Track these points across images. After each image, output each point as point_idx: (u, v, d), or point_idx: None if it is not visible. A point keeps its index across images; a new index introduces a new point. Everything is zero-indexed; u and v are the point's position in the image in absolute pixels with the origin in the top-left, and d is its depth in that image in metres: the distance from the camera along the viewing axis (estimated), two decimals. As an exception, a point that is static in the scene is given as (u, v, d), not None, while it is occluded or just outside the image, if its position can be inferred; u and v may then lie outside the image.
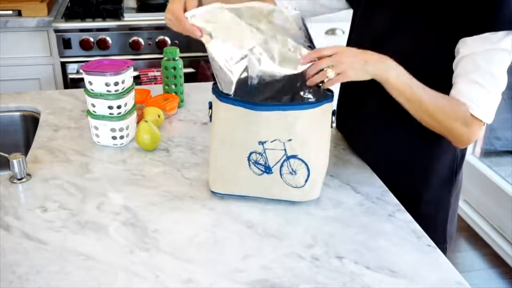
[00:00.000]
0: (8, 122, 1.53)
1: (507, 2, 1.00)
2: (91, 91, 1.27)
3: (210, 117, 1.09)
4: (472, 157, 2.78)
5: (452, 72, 1.07)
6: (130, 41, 2.29)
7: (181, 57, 1.54)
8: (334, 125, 1.08)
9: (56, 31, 2.24)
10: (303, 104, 1.02)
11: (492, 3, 1.00)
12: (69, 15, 2.29)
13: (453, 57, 1.07)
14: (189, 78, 2.19)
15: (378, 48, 1.04)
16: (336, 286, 0.89)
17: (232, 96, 1.02)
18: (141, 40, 2.30)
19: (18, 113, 1.54)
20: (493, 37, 1.01)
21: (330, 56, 1.01)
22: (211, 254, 0.96)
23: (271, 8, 1.08)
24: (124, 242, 0.98)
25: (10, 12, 2.25)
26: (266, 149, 1.04)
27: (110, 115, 1.28)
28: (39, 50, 2.31)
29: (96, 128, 1.30)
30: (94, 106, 1.28)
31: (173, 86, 1.54)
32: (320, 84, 1.02)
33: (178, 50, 1.53)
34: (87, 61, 1.33)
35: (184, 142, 1.35)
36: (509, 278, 2.32)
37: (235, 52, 1.03)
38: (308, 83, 1.02)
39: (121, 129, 1.30)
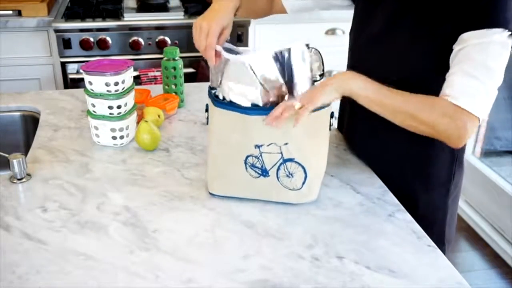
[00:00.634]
0: (8, 122, 1.53)
1: (501, 1, 1.00)
2: (91, 91, 1.27)
3: (207, 119, 1.09)
4: (472, 157, 2.78)
5: (447, 71, 1.07)
6: (130, 41, 2.29)
7: (181, 57, 1.54)
8: (333, 126, 1.07)
9: (56, 31, 2.23)
10: None
11: (486, 1, 1.00)
12: (69, 15, 2.28)
13: (449, 57, 1.06)
14: (189, 78, 2.18)
15: (374, 47, 1.03)
16: (336, 286, 0.89)
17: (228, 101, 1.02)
18: (141, 40, 2.30)
19: (18, 113, 1.54)
20: (488, 32, 1.00)
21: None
22: (211, 254, 0.96)
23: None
24: (124, 242, 0.98)
25: (10, 12, 2.25)
26: (263, 152, 1.04)
27: (110, 115, 1.28)
28: (39, 50, 2.31)
29: (96, 128, 1.30)
30: (94, 106, 1.28)
31: (173, 86, 1.54)
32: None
33: (178, 50, 1.52)
34: (87, 61, 1.33)
35: (184, 142, 1.35)
36: (509, 278, 2.32)
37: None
38: (274, 125, 0.98)
39: (121, 129, 1.30)
